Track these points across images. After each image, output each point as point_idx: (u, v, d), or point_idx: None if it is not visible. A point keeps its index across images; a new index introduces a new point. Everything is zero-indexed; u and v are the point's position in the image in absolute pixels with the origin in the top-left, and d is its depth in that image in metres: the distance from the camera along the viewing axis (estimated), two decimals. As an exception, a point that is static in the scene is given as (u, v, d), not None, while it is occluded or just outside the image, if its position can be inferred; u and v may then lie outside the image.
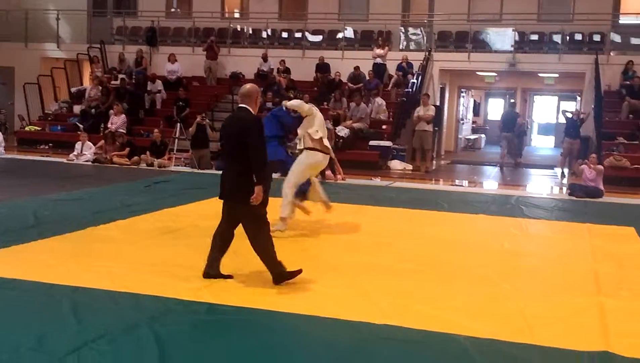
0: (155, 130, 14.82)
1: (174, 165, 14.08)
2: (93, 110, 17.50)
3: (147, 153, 14.19)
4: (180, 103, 16.66)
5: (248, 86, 5.53)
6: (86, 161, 14.26)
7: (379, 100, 16.77)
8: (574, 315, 4.83)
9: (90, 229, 7.19)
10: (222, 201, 5.46)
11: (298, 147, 7.55)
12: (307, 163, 7.36)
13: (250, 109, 5.33)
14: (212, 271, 5.41)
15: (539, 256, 6.74)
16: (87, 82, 20.07)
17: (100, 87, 18.06)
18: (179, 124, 14.80)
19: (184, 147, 14.57)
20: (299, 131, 7.46)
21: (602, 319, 4.73)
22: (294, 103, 7.66)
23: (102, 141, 14.87)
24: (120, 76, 18.73)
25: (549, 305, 5.08)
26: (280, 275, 5.27)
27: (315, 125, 7.35)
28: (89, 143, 14.76)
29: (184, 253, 6.25)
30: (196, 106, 16.82)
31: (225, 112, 17.42)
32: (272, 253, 5.29)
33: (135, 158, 14.10)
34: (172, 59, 19.02)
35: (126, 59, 19.88)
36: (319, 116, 7.50)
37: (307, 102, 15.80)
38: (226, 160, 5.53)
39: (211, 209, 8.72)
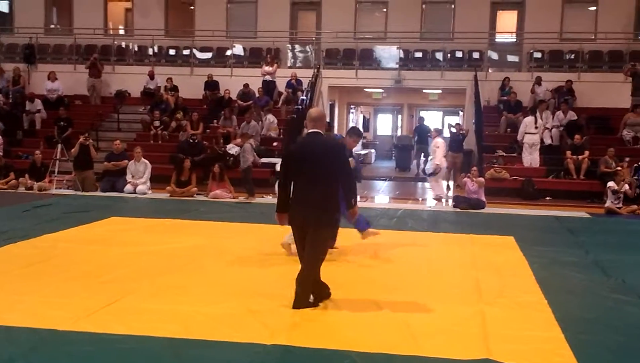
0: (36, 151, 14.14)
1: (56, 188, 13.45)
2: (-34, 131, 16.48)
3: (26, 175, 13.51)
4: (62, 123, 15.99)
5: (318, 110, 5.54)
6: (-42, 185, 13.39)
7: (270, 117, 16.78)
8: (457, 324, 4.97)
9: (-40, 259, 6.73)
10: (292, 223, 5.35)
11: None
12: None
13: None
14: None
15: (424, 268, 6.90)
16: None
17: (-26, 108, 17.05)
18: (60, 144, 14.17)
19: (66, 169, 13.95)
20: None
21: (484, 327, 4.89)
22: None
23: (-23, 164, 14.02)
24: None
25: (432, 315, 5.20)
26: (305, 301, 5.24)
27: None
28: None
29: (62, 281, 5.94)
30: (79, 125, 16.20)
31: (110, 131, 16.95)
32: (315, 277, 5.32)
33: (13, 181, 13.38)
34: (52, 77, 18.25)
35: (3, 77, 18.88)
36: None
37: (196, 120, 15.59)
38: (303, 184, 5.25)
39: (95, 233, 8.47)
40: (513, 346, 4.47)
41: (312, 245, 5.25)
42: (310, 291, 5.31)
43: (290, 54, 20.19)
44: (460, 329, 4.85)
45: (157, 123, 16.48)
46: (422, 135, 19.20)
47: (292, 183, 5.32)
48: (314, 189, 5.22)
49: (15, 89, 18.39)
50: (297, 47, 20.34)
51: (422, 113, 26.58)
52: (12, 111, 17.42)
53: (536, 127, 14.84)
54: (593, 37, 18.29)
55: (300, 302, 5.21)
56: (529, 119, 14.97)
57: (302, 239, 5.31)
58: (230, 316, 5.02)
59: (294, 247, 6.94)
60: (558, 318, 5.13)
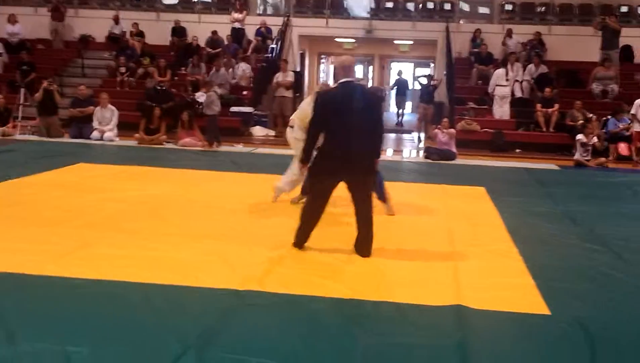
0: (0, 96, 13.71)
1: (20, 133, 13.12)
2: None
3: (-11, 120, 13.14)
4: (25, 67, 15.51)
5: (349, 57, 5.34)
6: None
7: (244, 65, 16.50)
8: (429, 271, 4.99)
9: None
10: (326, 178, 5.21)
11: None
12: None
13: None
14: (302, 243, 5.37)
15: (396, 217, 6.88)
16: None
17: None
18: (23, 89, 13.76)
19: (30, 114, 13.59)
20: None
21: (455, 275, 4.91)
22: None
23: None
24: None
25: (405, 263, 5.20)
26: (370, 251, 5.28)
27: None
28: None
29: (29, 226, 5.80)
30: (42, 70, 15.73)
31: (74, 77, 16.51)
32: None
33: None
34: (12, 20, 17.60)
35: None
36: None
37: (163, 66, 15.23)
38: (341, 135, 5.08)
39: (62, 179, 8.29)
40: (484, 293, 4.50)
41: (369, 195, 5.31)
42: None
43: (259, 1, 19.77)
44: (433, 277, 4.87)
45: (123, 70, 16.08)
46: (401, 88, 20.77)
47: (323, 133, 5.17)
48: (357, 140, 5.08)
49: (-25, 31, 17.74)
50: (268, -6, 19.93)
51: (395, 65, 26.52)
52: (-29, 54, 16.84)
53: (507, 80, 14.84)
54: (565, -11, 18.23)
55: (371, 249, 5.29)
56: (500, 71, 14.95)
57: (329, 191, 5.26)
58: (201, 262, 4.97)
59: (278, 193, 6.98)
60: (529, 266, 5.18)
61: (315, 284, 4.55)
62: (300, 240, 5.38)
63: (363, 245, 5.30)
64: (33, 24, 18.27)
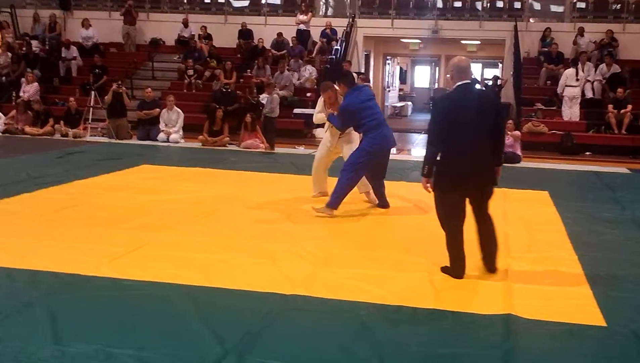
0: (71, 98, 14.22)
1: (90, 135, 13.57)
2: (3, 78, 16.64)
3: (62, 122, 13.63)
4: (97, 70, 16.03)
5: (465, 59, 4.94)
6: (-4, 131, 13.61)
7: (309, 67, 16.56)
8: (480, 278, 4.86)
9: (-9, 203, 6.82)
10: (453, 193, 4.86)
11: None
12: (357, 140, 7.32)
13: None
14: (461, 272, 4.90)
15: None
16: (-3, 49, 19.06)
17: (11, 54, 17.17)
18: (93, 92, 14.22)
19: (100, 116, 14.04)
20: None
21: (508, 282, 4.78)
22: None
23: (14, 111, 14.17)
24: (32, 42, 17.84)
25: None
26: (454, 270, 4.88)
27: None
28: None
29: (87, 227, 5.98)
30: (114, 73, 16.22)
31: (144, 79, 16.95)
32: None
33: (49, 128, 13.53)
34: (86, 24, 18.23)
35: (40, 21, 18.92)
36: None
37: (229, 69, 15.46)
38: (465, 142, 4.73)
39: (124, 180, 8.52)
40: (537, 302, 4.36)
41: (485, 203, 4.95)
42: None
43: (324, 3, 19.81)
44: (484, 284, 4.75)
45: (190, 72, 16.41)
46: None
47: (443, 141, 4.80)
48: (480, 146, 4.76)
49: (52, 35, 18.44)
50: (333, -4, 19.96)
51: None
52: (49, 57, 17.51)
53: (577, 80, 14.38)
54: (641, -14, 17.53)
55: (497, 262, 4.99)
56: (570, 71, 14.49)
57: (460, 204, 4.86)
58: (250, 265, 5.00)
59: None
60: (587, 274, 4.99)
61: (362, 290, 4.50)
62: (456, 268, 4.88)
63: (491, 260, 4.97)
64: (106, 28, 18.86)
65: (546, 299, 4.43)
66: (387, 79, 23.94)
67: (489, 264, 4.97)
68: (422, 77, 28.63)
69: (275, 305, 4.17)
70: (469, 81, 4.88)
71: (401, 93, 27.11)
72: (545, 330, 3.93)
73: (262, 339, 3.67)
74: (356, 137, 7.39)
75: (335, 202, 6.78)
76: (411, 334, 3.82)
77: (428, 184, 4.95)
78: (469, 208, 4.93)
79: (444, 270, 4.93)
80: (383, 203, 7.31)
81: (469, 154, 4.73)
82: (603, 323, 4.04)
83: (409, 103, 26.23)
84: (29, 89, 15.29)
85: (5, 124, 13.78)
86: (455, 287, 4.66)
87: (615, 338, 3.84)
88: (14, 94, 15.65)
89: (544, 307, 4.25)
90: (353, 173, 6.79)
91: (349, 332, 3.85)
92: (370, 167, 6.95)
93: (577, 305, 4.34)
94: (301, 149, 12.88)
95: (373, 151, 6.83)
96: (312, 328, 3.88)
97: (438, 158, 4.85)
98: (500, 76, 17.68)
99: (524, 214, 7.21)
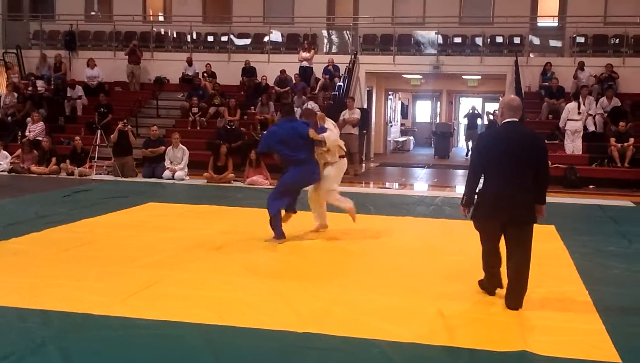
0: (77, 137, 14.32)
1: (96, 173, 13.64)
2: (9, 118, 16.79)
3: (67, 161, 13.71)
4: (102, 109, 16.18)
5: (518, 99, 5.25)
6: (1, 171, 13.66)
7: (312, 103, 16.65)
8: (492, 314, 4.86)
9: (0, 243, 6.82)
10: (486, 220, 5.10)
11: (329, 159, 7.60)
12: (339, 172, 7.82)
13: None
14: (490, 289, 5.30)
15: (460, 256, 6.74)
16: (2, 89, 19.26)
17: (17, 94, 17.35)
18: (99, 131, 14.34)
19: (106, 155, 14.12)
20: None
21: (521, 317, 4.77)
22: (327, 136, 7.42)
23: (19, 150, 14.27)
24: (38, 82, 18.03)
25: (468, 305, 5.10)
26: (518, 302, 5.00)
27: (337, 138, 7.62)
28: (4, 152, 14.16)
29: (97, 266, 5.99)
30: (119, 112, 16.39)
31: (149, 118, 17.09)
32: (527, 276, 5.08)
33: (55, 166, 13.60)
34: (91, 64, 18.46)
35: (45, 63, 19.15)
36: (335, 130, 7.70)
37: (233, 106, 15.60)
38: (502, 177, 4.97)
39: (131, 219, 8.54)
40: (551, 338, 4.35)
41: (523, 242, 5.04)
42: (525, 290, 5.06)
43: (327, 40, 20.06)
44: (496, 320, 4.74)
45: (195, 110, 16.55)
46: (472, 121, 21.62)
47: (483, 175, 5.07)
48: (519, 183, 4.93)
49: (57, 75, 18.65)
50: (334, 33, 20.19)
51: (464, 100, 26.47)
52: (54, 97, 17.68)
53: (579, 114, 14.47)
54: (638, 20, 17.73)
55: (519, 301, 5.01)
56: (572, 105, 14.60)
57: (494, 233, 5.10)
58: (262, 302, 5.00)
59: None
60: (599, 309, 4.98)
61: (374, 326, 4.49)
62: (488, 288, 5.32)
63: (511, 296, 5.03)
64: (111, 67, 19.11)
65: (560, 335, 4.42)
66: (389, 114, 24.10)
67: (510, 300, 5.04)
68: (424, 112, 28.81)
69: (288, 343, 4.17)
70: (516, 120, 5.09)
71: (403, 128, 27.27)
72: (560, 366, 3.92)
73: (277, 378, 3.67)
74: (336, 167, 7.66)
75: (275, 232, 7.34)
76: (426, 372, 3.81)
77: (465, 212, 5.26)
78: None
79: (480, 283, 5.41)
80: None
81: (507, 187, 4.94)
82: (618, 360, 4.02)
83: (411, 138, 26.37)
84: (35, 129, 15.42)
85: (11, 163, 13.86)
86: (468, 323, 4.65)
87: (631, 374, 3.82)
88: (19, 134, 15.77)
89: (558, 343, 4.24)
90: (270, 202, 7.44)
91: (363, 370, 3.85)
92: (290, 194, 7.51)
93: (591, 341, 4.32)
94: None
95: (291, 184, 7.46)
96: (326, 367, 3.88)
97: (478, 190, 5.13)
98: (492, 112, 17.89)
99: (532, 249, 7.19)
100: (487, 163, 5.03)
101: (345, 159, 7.86)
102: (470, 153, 17.01)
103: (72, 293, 5.11)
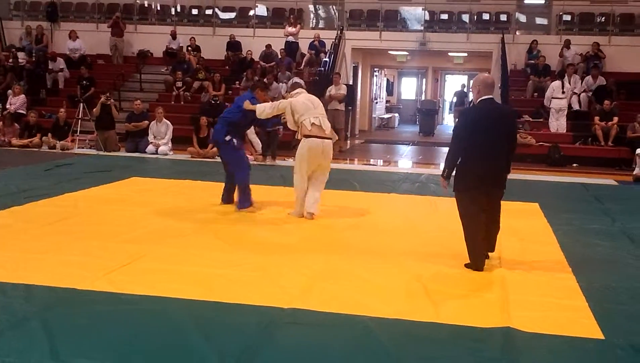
0: (61, 110, 14.12)
1: (78, 147, 13.49)
2: (-10, 90, 16.53)
3: (49, 134, 13.55)
4: (84, 82, 15.97)
5: (491, 76, 5.76)
6: (-18, 144, 13.49)
7: (297, 78, 16.57)
8: (476, 290, 4.89)
9: (-19, 216, 6.75)
10: (473, 190, 5.40)
11: (296, 136, 7.51)
12: (302, 153, 7.26)
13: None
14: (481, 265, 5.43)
15: (443, 232, 6.75)
16: (-17, 61, 18.92)
17: (-2, 66, 17.08)
18: (82, 104, 14.16)
19: (88, 128, 13.97)
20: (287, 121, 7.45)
21: (504, 294, 4.80)
22: (258, 109, 7.46)
23: (0, 123, 14.07)
24: (19, 54, 17.74)
25: (453, 281, 5.12)
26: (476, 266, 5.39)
27: (298, 113, 7.25)
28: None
29: (81, 240, 5.93)
30: (102, 85, 16.17)
31: (132, 91, 16.90)
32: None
33: (37, 140, 13.44)
34: (73, 36, 18.17)
35: (31, 34, 18.83)
36: (299, 102, 7.33)
37: (218, 80, 15.48)
38: (486, 150, 5.36)
39: (115, 193, 8.47)
40: (534, 314, 4.38)
41: (498, 204, 5.55)
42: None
43: (313, 15, 19.90)
44: (480, 295, 4.78)
45: (179, 84, 16.39)
46: (461, 99, 22.22)
47: (466, 147, 5.39)
48: (497, 154, 5.40)
49: (39, 47, 18.35)
50: (321, 8, 20.04)
51: (449, 77, 26.46)
52: (36, 69, 17.41)
53: (563, 92, 14.50)
54: (625, -1, 17.77)
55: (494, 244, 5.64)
56: (556, 83, 14.62)
57: (480, 204, 5.40)
58: (246, 278, 4.99)
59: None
60: (582, 286, 5.02)
61: (359, 302, 4.50)
62: (477, 262, 5.41)
63: (491, 243, 5.59)
64: (94, 40, 18.83)
65: (543, 311, 4.45)
66: (374, 91, 24.03)
67: (491, 247, 5.63)
68: (409, 89, 28.77)
69: (273, 318, 4.16)
70: (491, 96, 5.52)
71: (388, 105, 27.23)
72: (543, 342, 3.94)
73: (262, 353, 3.66)
74: (300, 147, 7.42)
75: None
76: (409, 348, 3.82)
77: (446, 185, 5.63)
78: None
79: (467, 265, 5.44)
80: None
81: (489, 158, 5.38)
82: (601, 336, 4.06)
83: (396, 115, 26.34)
84: (16, 101, 15.19)
85: (-7, 136, 13.69)
86: (452, 299, 4.68)
87: (614, 351, 3.85)
88: (0, 107, 15.54)
89: (541, 319, 4.27)
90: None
91: (347, 345, 3.85)
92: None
93: (574, 318, 4.36)
94: (290, 161, 12.85)
95: None
96: (311, 342, 3.87)
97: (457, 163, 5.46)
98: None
99: (515, 226, 7.22)
100: (473, 137, 5.36)
101: (310, 139, 7.17)
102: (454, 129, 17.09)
103: (55, 267, 5.07)
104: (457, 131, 5.60)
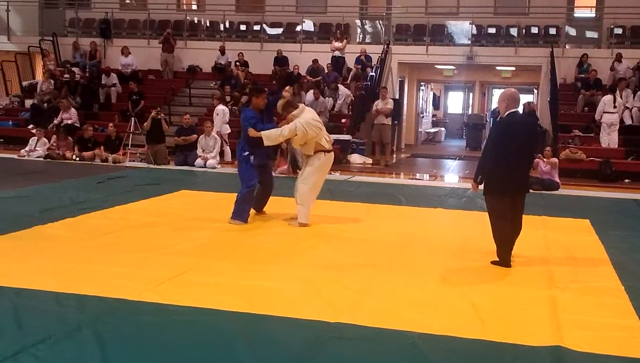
0: (110, 124, 14.50)
1: (129, 161, 13.79)
2: (45, 104, 17.04)
3: (102, 148, 13.88)
4: (135, 97, 16.32)
5: (515, 91, 6.18)
6: (38, 157, 13.89)
7: (344, 89, 16.68)
8: (526, 308, 4.81)
9: (37, 227, 6.93)
10: (502, 193, 5.94)
11: (305, 151, 7.67)
12: (322, 165, 7.62)
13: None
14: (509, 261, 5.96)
15: (493, 248, 6.67)
16: (39, 76, 19.55)
17: (53, 81, 17.59)
18: (133, 118, 14.49)
19: (139, 142, 14.27)
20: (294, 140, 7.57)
21: (554, 312, 4.71)
22: (266, 137, 7.49)
23: (54, 137, 14.48)
24: (74, 69, 18.26)
25: (501, 298, 5.05)
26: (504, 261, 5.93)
27: (311, 135, 7.40)
28: (44, 139, 14.37)
29: (131, 252, 6.06)
30: (152, 99, 16.51)
31: (181, 106, 17.20)
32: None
33: (89, 153, 13.78)
34: (125, 52, 18.63)
35: (80, 49, 19.38)
36: (311, 126, 7.39)
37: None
38: (513, 157, 5.88)
39: (164, 206, 8.62)
40: (586, 333, 4.28)
41: (521, 206, 6.06)
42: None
43: (359, 30, 19.98)
44: (530, 314, 4.69)
45: (228, 98, 16.60)
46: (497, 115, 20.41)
47: (497, 156, 5.89)
48: (523, 161, 6.04)
49: (92, 63, 18.88)
50: (367, 23, 20.10)
51: (496, 91, 26.09)
52: (89, 84, 17.89)
53: (615, 107, 14.21)
54: (679, 11, 17.34)
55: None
56: (608, 97, 14.33)
57: (509, 205, 5.92)
58: (294, 291, 5.01)
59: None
60: (635, 305, 4.89)
61: (405, 317, 4.48)
62: (506, 259, 5.94)
63: (513, 236, 6.04)
64: (145, 55, 19.29)
65: (595, 330, 4.35)
66: (420, 105, 23.93)
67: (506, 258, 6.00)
68: (456, 103, 28.56)
69: (320, 332, 4.17)
70: (517, 109, 6.14)
71: (434, 119, 27.08)
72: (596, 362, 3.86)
73: (308, 367, 3.68)
74: (310, 162, 7.60)
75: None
76: (458, 365, 3.78)
77: (477, 189, 6.23)
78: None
79: (494, 262, 5.97)
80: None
81: (518, 166, 5.94)
82: (655, 357, 3.95)
83: (442, 129, 26.17)
84: (69, 116, 15.62)
85: (47, 149, 14.07)
86: (501, 317, 4.61)
87: (668, 372, 3.75)
88: (54, 120, 15.99)
89: (593, 339, 4.18)
90: None
91: (394, 360, 3.83)
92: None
93: (628, 338, 4.25)
94: (336, 175, 12.90)
95: None
96: (357, 357, 3.87)
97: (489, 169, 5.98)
98: (532, 102, 17.69)
99: (566, 242, 7.13)
100: (506, 146, 5.86)
101: (325, 154, 7.55)
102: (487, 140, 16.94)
103: (106, 278, 5.18)
104: (489, 141, 6.17)
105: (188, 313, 4.45)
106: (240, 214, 7.59)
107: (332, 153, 7.69)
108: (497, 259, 5.96)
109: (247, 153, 7.64)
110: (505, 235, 5.92)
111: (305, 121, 7.39)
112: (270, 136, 7.41)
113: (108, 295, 4.73)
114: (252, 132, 7.45)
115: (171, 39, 18.80)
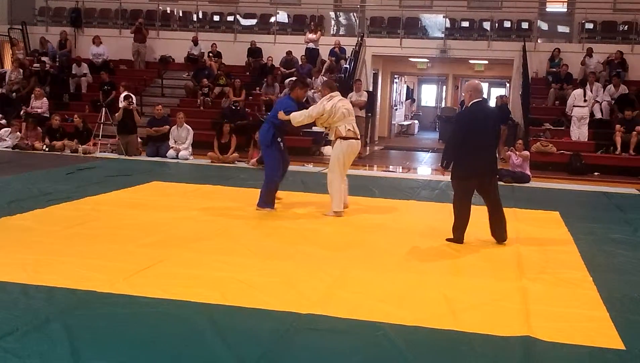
0: (75, 115, 14.30)
1: (100, 151, 13.63)
2: (14, 94, 16.75)
3: (75, 140, 13.68)
4: (106, 87, 16.13)
5: (479, 83, 6.72)
6: (6, 147, 13.66)
7: (322, 78, 16.60)
8: (497, 299, 4.85)
9: (4, 219, 6.82)
10: (467, 179, 6.45)
11: (329, 137, 7.98)
12: (342, 153, 7.79)
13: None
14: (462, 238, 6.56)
15: (465, 241, 6.73)
16: (7, 65, 19.22)
17: (22, 70, 17.30)
18: (104, 109, 14.32)
19: (111, 133, 14.10)
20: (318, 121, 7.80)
21: (525, 303, 4.76)
22: (293, 119, 7.69)
23: (24, 127, 14.24)
24: (43, 58, 17.98)
25: (472, 289, 5.08)
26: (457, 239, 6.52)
27: (334, 119, 7.67)
28: (18, 133, 14.10)
29: (101, 243, 5.99)
30: (123, 90, 16.28)
31: (153, 96, 17.04)
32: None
33: (60, 143, 13.58)
34: (97, 41, 18.40)
35: (49, 46, 19.07)
36: (338, 110, 7.65)
37: (238, 86, 15.60)
38: (477, 144, 6.33)
39: (136, 197, 8.54)
40: (555, 324, 4.34)
41: (495, 187, 6.61)
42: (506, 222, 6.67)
43: (334, 22, 19.95)
44: (501, 305, 4.73)
45: (205, 90, 16.49)
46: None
47: (462, 144, 6.33)
48: (489, 147, 6.48)
49: (62, 52, 18.60)
50: (341, 15, 20.08)
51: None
52: (59, 74, 17.63)
53: (585, 101, 14.40)
54: (648, 7, 17.60)
55: (505, 233, 6.61)
56: (579, 91, 14.52)
57: (472, 191, 6.51)
58: (266, 283, 5.00)
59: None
60: (603, 296, 4.97)
61: (377, 309, 4.49)
62: (459, 236, 6.53)
63: (501, 231, 6.59)
64: (117, 45, 19.04)
65: (564, 321, 4.41)
66: (394, 98, 24.00)
67: (501, 236, 6.61)
68: (429, 96, 28.70)
69: (292, 324, 4.16)
70: (481, 99, 6.58)
71: (407, 113, 27.17)
72: (564, 352, 3.91)
73: (280, 359, 3.67)
74: (335, 147, 7.89)
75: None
76: (428, 355, 3.80)
77: (444, 173, 6.83)
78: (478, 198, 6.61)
79: (449, 239, 6.57)
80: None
81: (482, 152, 6.39)
82: (622, 346, 4.01)
83: (415, 122, 26.28)
84: (40, 105, 15.38)
85: (16, 139, 13.84)
86: (471, 308, 4.64)
87: (635, 362, 3.81)
88: (23, 110, 15.72)
89: (561, 329, 4.23)
90: None
91: (366, 352, 3.84)
92: None
93: (595, 328, 4.31)
94: (309, 167, 12.90)
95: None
96: (329, 348, 3.88)
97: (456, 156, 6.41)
98: (506, 96, 17.84)
99: (536, 234, 7.21)
100: (467, 134, 6.31)
101: (348, 141, 7.78)
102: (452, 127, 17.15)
103: (76, 270, 5.11)
104: (458, 129, 6.53)
105: (160, 305, 4.41)
106: (269, 202, 7.91)
107: (352, 141, 7.81)
108: (452, 237, 6.56)
109: (278, 138, 7.92)
110: (463, 216, 6.48)
111: (333, 104, 7.66)
112: (297, 118, 7.69)
113: (78, 287, 4.67)
114: (281, 115, 7.75)
115: (143, 28, 18.60)
